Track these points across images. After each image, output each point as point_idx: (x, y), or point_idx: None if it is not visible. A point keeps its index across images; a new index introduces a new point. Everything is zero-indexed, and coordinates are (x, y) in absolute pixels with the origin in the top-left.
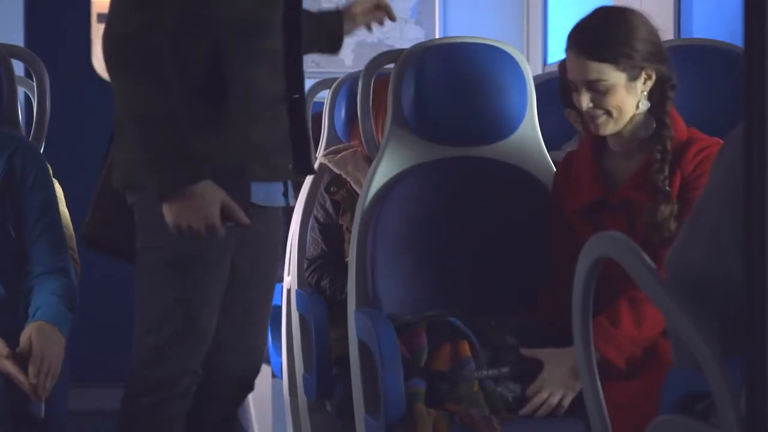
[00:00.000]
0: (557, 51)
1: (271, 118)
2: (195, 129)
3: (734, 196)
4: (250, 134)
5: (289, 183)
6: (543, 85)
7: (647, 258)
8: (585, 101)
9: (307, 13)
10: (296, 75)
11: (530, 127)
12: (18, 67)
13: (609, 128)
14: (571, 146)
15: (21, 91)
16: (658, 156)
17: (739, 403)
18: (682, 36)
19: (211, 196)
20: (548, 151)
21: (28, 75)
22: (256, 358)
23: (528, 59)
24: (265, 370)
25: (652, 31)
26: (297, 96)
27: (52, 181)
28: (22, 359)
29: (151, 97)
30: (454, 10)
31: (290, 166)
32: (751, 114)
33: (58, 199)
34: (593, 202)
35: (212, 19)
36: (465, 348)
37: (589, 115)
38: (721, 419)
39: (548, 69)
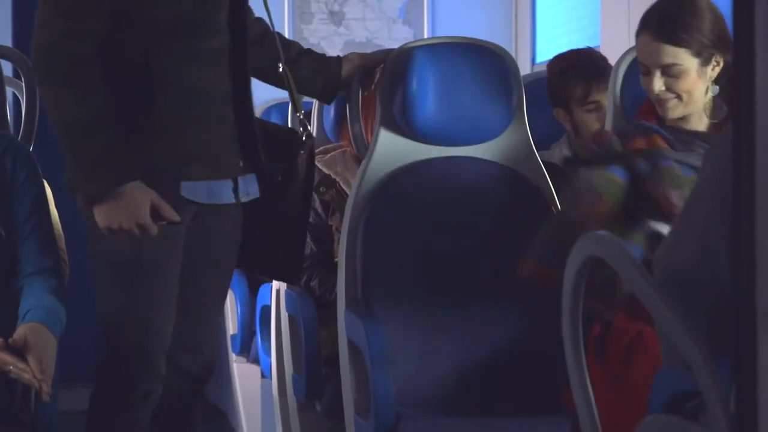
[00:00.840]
0: (546, 51)
1: (215, 117)
2: (129, 131)
3: (723, 195)
4: (189, 134)
5: (242, 180)
6: (532, 84)
7: (635, 257)
8: (657, 85)
9: (309, 50)
10: (242, 74)
11: (519, 127)
12: (6, 68)
13: (678, 112)
14: (560, 146)
15: (9, 91)
16: None
17: (729, 402)
18: None
19: (140, 196)
20: (537, 151)
21: (16, 75)
22: (208, 354)
23: (517, 59)
24: (255, 371)
25: (720, 18)
26: (241, 94)
27: (42, 180)
28: (16, 352)
29: (75, 105)
30: (442, 10)
31: (240, 164)
32: (739, 113)
33: (47, 199)
34: None
35: (146, 20)
36: (658, 139)
37: (659, 99)
38: (710, 419)
39: (537, 68)
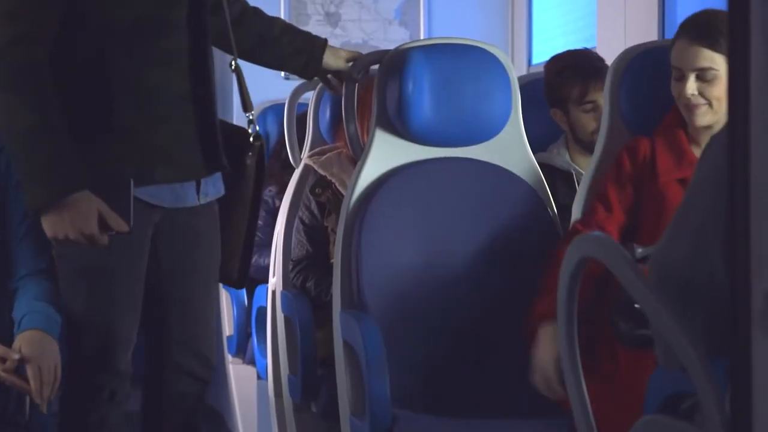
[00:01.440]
0: (542, 52)
1: (176, 118)
2: (84, 137)
3: (718, 194)
4: (149, 136)
5: (204, 181)
6: (528, 86)
7: (631, 258)
8: (690, 88)
9: (291, 27)
10: (203, 73)
11: (515, 128)
12: None
13: (707, 119)
14: (557, 147)
15: None
16: None
17: (724, 403)
18: (667, 37)
19: (87, 206)
20: (533, 152)
21: None
22: (205, 352)
23: (513, 60)
24: (251, 372)
25: None
26: (202, 94)
27: None
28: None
29: (21, 112)
30: (438, 11)
31: (202, 166)
32: (734, 113)
33: None
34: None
35: (103, 22)
36: None
37: (690, 104)
38: (705, 420)
39: (533, 70)
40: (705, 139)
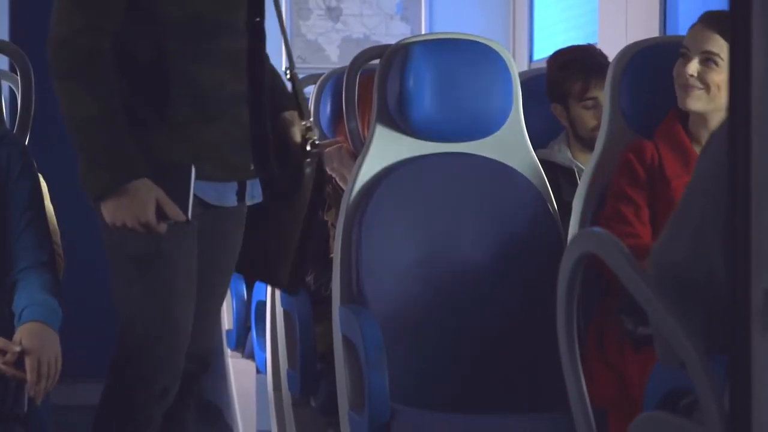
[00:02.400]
0: (543, 48)
1: (228, 117)
2: (141, 127)
3: (718, 192)
4: (201, 133)
5: (250, 183)
6: (529, 81)
7: (631, 254)
8: (692, 68)
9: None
10: (257, 76)
11: (515, 124)
12: (2, 62)
13: (700, 104)
14: (558, 144)
15: (5, 85)
16: None
17: (723, 400)
18: (668, 33)
19: (145, 194)
20: (534, 148)
21: (12, 69)
22: (211, 340)
23: (514, 56)
24: (250, 366)
25: None
26: (258, 96)
27: (37, 174)
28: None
29: (83, 100)
30: (440, 6)
31: (250, 167)
32: (735, 110)
33: (42, 193)
34: None
35: (161, 19)
36: None
37: (687, 84)
38: (704, 416)
39: (534, 66)
40: (705, 136)
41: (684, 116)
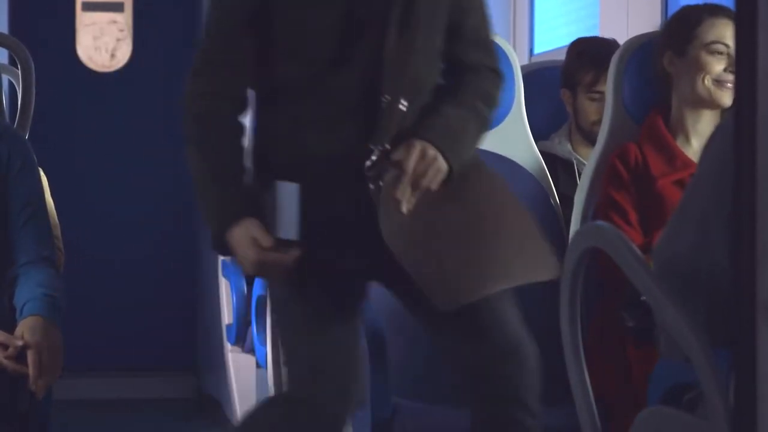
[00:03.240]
0: (544, 41)
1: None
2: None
3: (722, 186)
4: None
5: None
6: (530, 75)
7: (636, 248)
8: (727, 64)
9: None
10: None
11: (517, 117)
12: (2, 55)
13: (731, 98)
14: (559, 136)
15: (5, 79)
16: None
17: (727, 394)
18: None
19: (241, 238)
20: (535, 141)
21: (12, 63)
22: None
23: (515, 49)
24: (250, 361)
25: None
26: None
27: (38, 169)
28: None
29: (195, 161)
30: None
31: None
32: (741, 104)
33: (43, 188)
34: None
35: (273, 79)
36: None
37: (726, 80)
38: (709, 410)
39: (535, 59)
40: (689, 132)
41: (666, 114)
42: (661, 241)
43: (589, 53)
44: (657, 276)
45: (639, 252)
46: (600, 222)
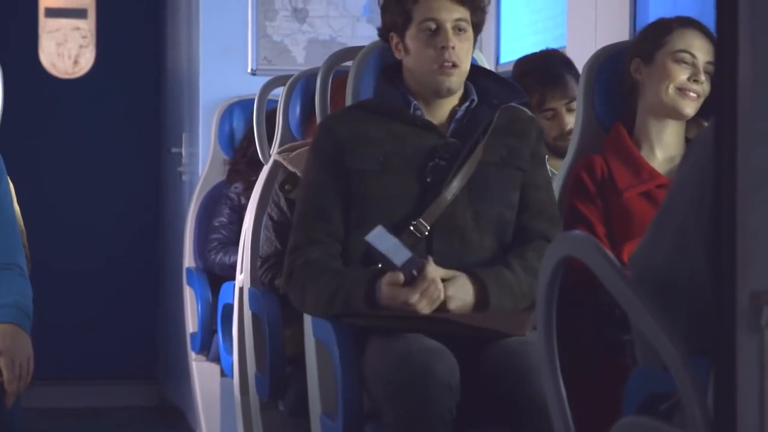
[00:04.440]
0: (510, 51)
1: None
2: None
3: (700, 195)
4: None
5: None
6: None
7: (612, 257)
8: (702, 77)
9: None
10: None
11: None
12: None
13: (694, 108)
14: None
15: None
16: None
17: (706, 402)
18: None
19: (386, 294)
20: None
21: None
22: None
23: (480, 59)
24: (214, 369)
25: None
26: None
27: (6, 177)
28: None
29: (315, 290)
30: None
31: None
32: (721, 113)
33: (12, 195)
34: (661, 185)
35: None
36: None
37: (691, 90)
38: (687, 419)
39: (501, 69)
40: (654, 143)
41: (630, 125)
42: (639, 250)
43: (529, 74)
44: (634, 284)
45: (615, 260)
46: (576, 231)
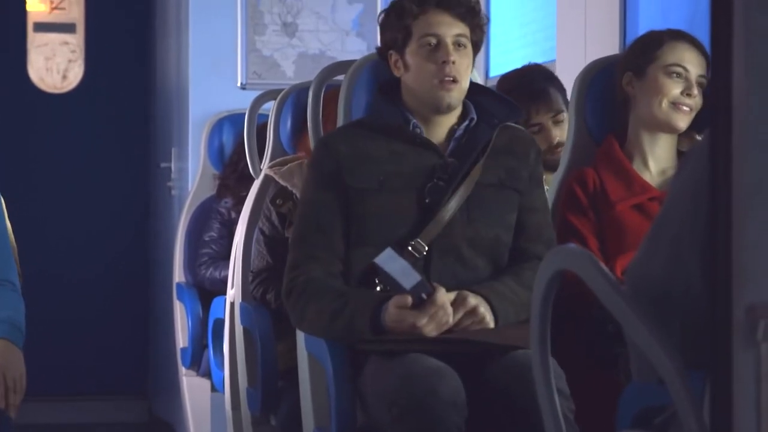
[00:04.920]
0: (500, 64)
1: None
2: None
3: (696, 207)
4: None
5: None
6: None
7: (607, 270)
8: (695, 90)
9: None
10: None
11: None
12: None
13: (687, 122)
14: None
15: None
16: None
17: (702, 415)
18: None
19: (392, 316)
20: None
21: None
22: None
23: None
24: (205, 384)
25: None
26: None
27: None
28: None
29: (317, 309)
30: None
31: None
32: (716, 124)
33: (3, 210)
34: (654, 197)
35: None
36: None
37: (684, 103)
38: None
39: (490, 83)
40: (646, 156)
41: (621, 138)
42: (634, 262)
43: (513, 91)
44: (629, 297)
45: (610, 273)
46: (571, 244)
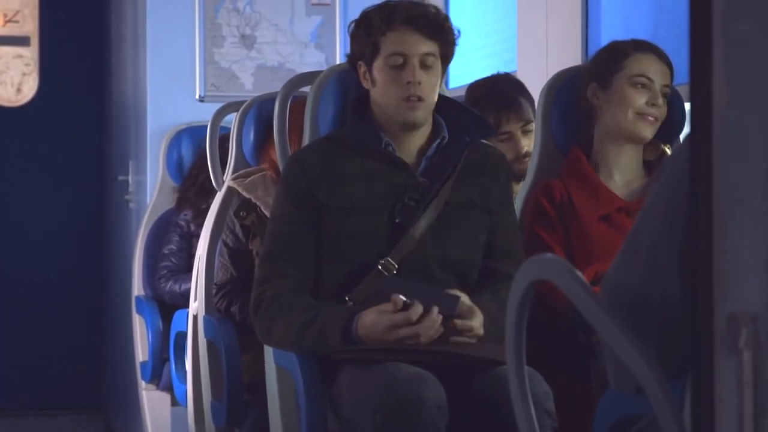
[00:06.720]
0: (460, 75)
1: None
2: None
3: (673, 215)
4: None
5: None
6: None
7: (583, 279)
8: (660, 100)
9: None
10: None
11: None
12: None
13: (652, 132)
14: None
15: None
16: None
17: (683, 422)
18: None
19: (371, 324)
20: None
21: None
22: None
23: None
24: (165, 398)
25: None
26: None
27: None
28: None
29: (285, 324)
30: None
31: None
32: (696, 131)
33: None
34: (621, 208)
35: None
36: None
37: (649, 114)
38: None
39: (450, 93)
40: (612, 167)
41: (587, 150)
42: (611, 271)
43: (483, 99)
44: (606, 306)
45: (586, 282)
46: (547, 254)
